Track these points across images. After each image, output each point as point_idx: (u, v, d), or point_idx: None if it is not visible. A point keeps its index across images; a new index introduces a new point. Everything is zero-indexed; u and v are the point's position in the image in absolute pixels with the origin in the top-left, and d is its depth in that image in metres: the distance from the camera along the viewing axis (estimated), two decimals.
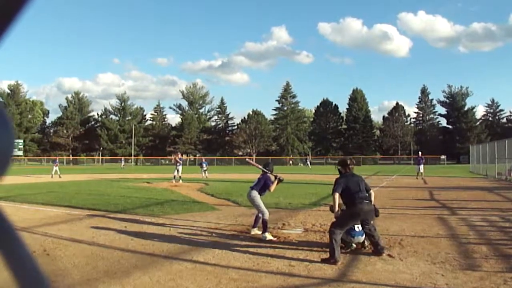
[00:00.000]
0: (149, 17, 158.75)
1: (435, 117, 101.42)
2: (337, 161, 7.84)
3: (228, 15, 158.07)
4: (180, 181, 24.67)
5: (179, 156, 26.77)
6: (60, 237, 8.42)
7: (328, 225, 8.59)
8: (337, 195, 7.01)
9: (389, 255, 6.78)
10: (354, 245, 7.24)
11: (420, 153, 33.71)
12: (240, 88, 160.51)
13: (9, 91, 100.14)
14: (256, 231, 8.73)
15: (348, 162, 7.56)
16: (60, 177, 32.52)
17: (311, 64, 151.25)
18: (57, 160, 37.96)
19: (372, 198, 7.25)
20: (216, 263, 6.47)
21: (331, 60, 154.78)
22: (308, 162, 68.70)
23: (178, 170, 25.09)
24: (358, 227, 7.10)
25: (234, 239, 8.32)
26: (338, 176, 7.42)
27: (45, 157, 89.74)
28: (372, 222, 7.12)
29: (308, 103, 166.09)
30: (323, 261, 6.47)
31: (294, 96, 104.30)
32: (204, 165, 34.36)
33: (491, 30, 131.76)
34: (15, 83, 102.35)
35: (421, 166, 30.41)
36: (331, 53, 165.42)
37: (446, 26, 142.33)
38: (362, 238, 7.21)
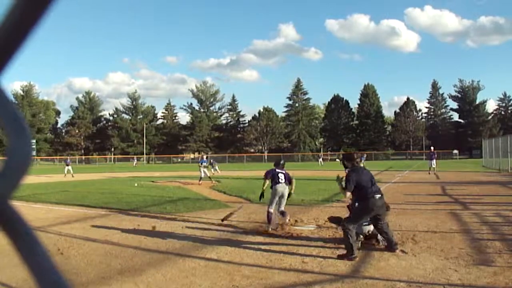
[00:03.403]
0: (157, 16, 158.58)
1: (446, 111, 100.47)
2: (341, 156, 7.71)
3: (235, 13, 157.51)
4: (201, 181, 23.01)
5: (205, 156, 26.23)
6: (73, 236, 8.51)
7: None
8: (348, 194, 6.97)
9: (402, 250, 6.75)
10: (363, 237, 7.22)
11: (432, 148, 33.46)
12: (250, 85, 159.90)
13: (22, 92, 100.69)
14: (271, 228, 8.78)
15: (355, 156, 7.43)
16: (73, 176, 32.80)
17: (320, 61, 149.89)
18: (69, 160, 38.36)
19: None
20: (229, 260, 6.49)
21: (340, 56, 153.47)
22: (321, 159, 64.86)
23: (205, 171, 23.73)
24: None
25: (246, 236, 8.34)
26: (348, 171, 7.20)
27: (58, 157, 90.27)
28: (384, 218, 7.07)
29: (318, 99, 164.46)
30: (340, 257, 6.43)
31: (305, 93, 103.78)
32: (209, 163, 34.43)
33: (499, 23, 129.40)
34: (28, 84, 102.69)
35: (434, 161, 30.19)
36: (340, 50, 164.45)
37: (454, 20, 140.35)
38: (369, 228, 7.18)
